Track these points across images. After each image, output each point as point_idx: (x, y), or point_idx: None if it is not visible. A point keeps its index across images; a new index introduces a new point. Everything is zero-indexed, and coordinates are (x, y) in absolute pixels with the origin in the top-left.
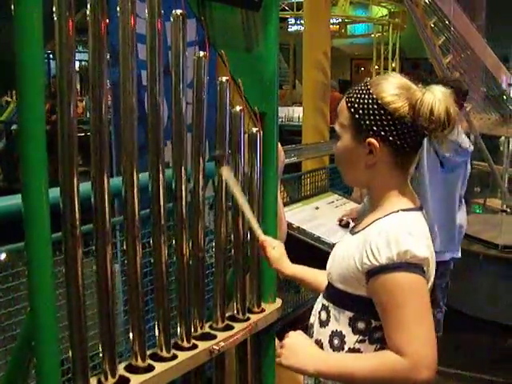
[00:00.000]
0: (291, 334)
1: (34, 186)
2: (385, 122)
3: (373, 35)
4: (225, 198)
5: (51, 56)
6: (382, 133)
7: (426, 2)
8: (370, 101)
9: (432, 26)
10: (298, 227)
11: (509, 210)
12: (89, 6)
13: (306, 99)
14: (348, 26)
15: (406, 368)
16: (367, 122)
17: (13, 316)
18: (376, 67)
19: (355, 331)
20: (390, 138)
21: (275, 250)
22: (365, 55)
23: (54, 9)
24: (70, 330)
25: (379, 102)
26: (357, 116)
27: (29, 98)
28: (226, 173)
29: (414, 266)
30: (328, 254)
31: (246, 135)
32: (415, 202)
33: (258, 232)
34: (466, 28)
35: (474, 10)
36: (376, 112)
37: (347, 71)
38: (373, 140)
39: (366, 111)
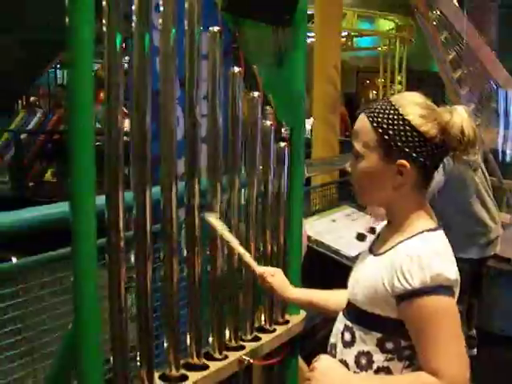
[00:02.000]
0: (321, 357)
1: (83, 194)
2: (417, 144)
3: (380, 48)
4: (255, 210)
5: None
6: (414, 154)
7: (436, 17)
8: (401, 122)
9: (443, 40)
10: (316, 240)
11: None
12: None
13: (317, 112)
14: (354, 39)
15: None
16: (398, 144)
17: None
18: (382, 80)
19: (383, 351)
20: (421, 159)
21: (275, 276)
22: (370, 68)
23: (103, 21)
24: (111, 336)
25: (411, 123)
26: (386, 137)
27: (79, 109)
28: (213, 218)
29: (446, 288)
30: (346, 266)
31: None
32: (435, 220)
33: (254, 266)
34: (477, 42)
35: (484, 24)
36: (408, 134)
37: (353, 84)
38: (404, 161)
39: (396, 132)
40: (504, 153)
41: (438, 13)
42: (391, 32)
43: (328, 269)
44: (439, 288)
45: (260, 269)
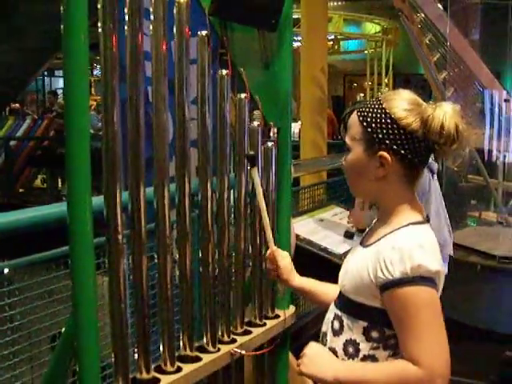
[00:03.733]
0: (311, 344)
1: (79, 196)
2: (397, 136)
3: (366, 51)
4: (244, 210)
5: (45, 73)
6: (394, 146)
7: (421, 20)
8: (383, 115)
9: (427, 42)
10: (305, 238)
11: (504, 223)
12: (100, 24)
13: (304, 115)
14: (341, 43)
15: (421, 378)
16: (380, 136)
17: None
18: (369, 83)
19: (369, 339)
20: (402, 152)
21: (285, 260)
22: (357, 71)
23: (99, 25)
24: (112, 330)
25: (392, 116)
26: (369, 130)
27: (75, 112)
28: (255, 174)
29: (426, 279)
30: (335, 264)
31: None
32: (423, 214)
33: (271, 241)
34: (461, 44)
35: (467, 26)
36: (389, 126)
37: (340, 87)
38: (384, 153)
39: (378, 125)
40: (490, 152)
41: (423, 16)
42: (377, 35)
43: (317, 267)
44: (419, 279)
45: (274, 247)
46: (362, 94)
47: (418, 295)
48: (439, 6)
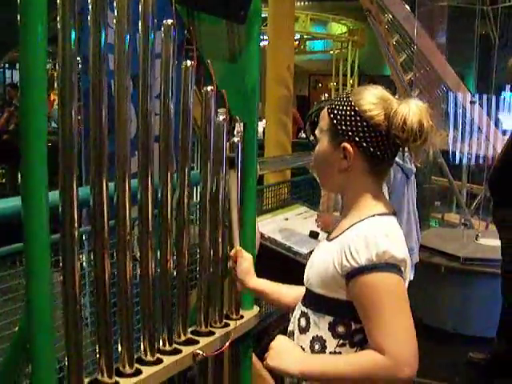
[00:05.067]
0: (278, 337)
1: (35, 190)
2: (360, 129)
3: (332, 52)
4: (209, 208)
5: (6, 65)
6: (357, 138)
7: (388, 20)
8: (349, 107)
9: (394, 43)
10: (269, 237)
11: (468, 224)
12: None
13: (269, 113)
14: (307, 42)
15: (387, 366)
16: (343, 128)
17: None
18: (334, 83)
19: (335, 335)
20: (364, 144)
21: (246, 261)
22: (323, 71)
23: (58, 19)
24: (65, 331)
25: (356, 109)
26: (335, 121)
27: (31, 107)
28: (233, 176)
29: (392, 266)
30: (298, 263)
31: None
32: (389, 207)
33: (237, 240)
34: (428, 46)
35: (434, 28)
36: (353, 118)
37: (305, 87)
38: (347, 145)
39: (343, 117)
40: (454, 154)
41: (390, 16)
42: (343, 36)
43: (281, 266)
44: (384, 265)
45: (239, 247)
46: (326, 95)
47: (382, 281)
48: (406, 6)
